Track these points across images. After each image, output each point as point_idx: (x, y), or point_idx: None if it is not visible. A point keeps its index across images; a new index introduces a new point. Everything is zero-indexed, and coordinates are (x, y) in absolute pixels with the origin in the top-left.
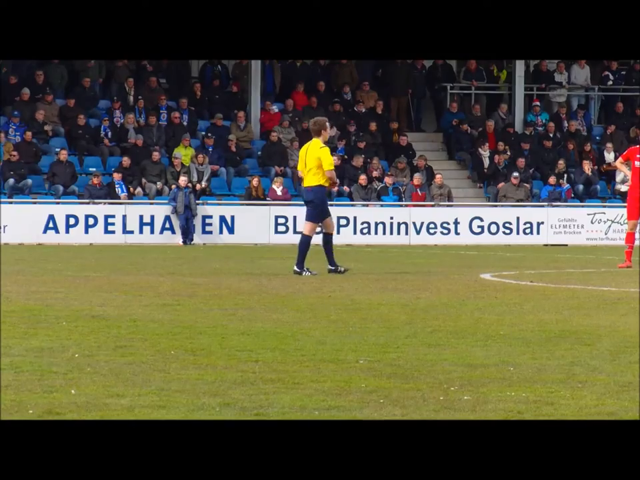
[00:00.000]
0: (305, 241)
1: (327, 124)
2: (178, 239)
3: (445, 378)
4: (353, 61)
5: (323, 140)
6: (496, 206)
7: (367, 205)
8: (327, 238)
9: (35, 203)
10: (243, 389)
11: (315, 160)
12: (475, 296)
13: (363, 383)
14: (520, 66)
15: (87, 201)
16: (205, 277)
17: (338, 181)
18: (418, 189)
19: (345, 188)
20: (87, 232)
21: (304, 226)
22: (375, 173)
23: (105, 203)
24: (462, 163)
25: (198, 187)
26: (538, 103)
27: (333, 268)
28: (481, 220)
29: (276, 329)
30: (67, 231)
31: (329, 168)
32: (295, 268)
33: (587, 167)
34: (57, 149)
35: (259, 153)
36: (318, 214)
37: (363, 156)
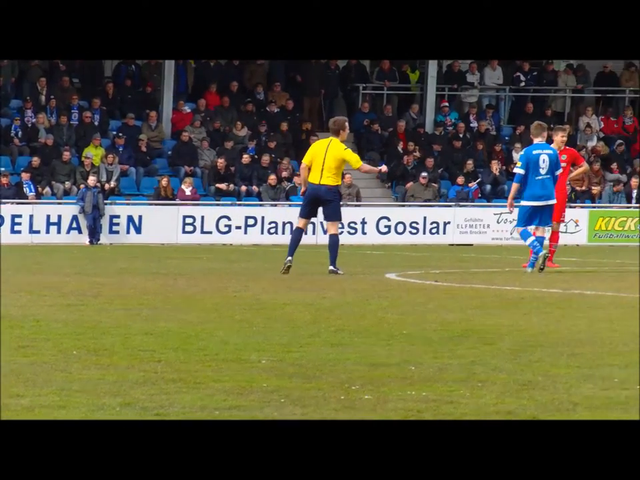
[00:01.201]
0: (336, 240)
1: (347, 124)
2: (85, 238)
3: (347, 377)
4: (266, 61)
5: (342, 140)
6: (403, 206)
7: (276, 205)
8: (336, 239)
9: None
10: (144, 389)
11: (337, 161)
12: (379, 295)
13: (264, 383)
14: (432, 66)
15: None
16: (110, 277)
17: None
18: None
19: (254, 188)
20: None
21: (329, 226)
22: (284, 173)
23: (12, 203)
24: (372, 163)
25: (107, 186)
26: (446, 104)
27: (334, 269)
28: (388, 220)
29: (180, 329)
30: None
31: (360, 164)
32: (332, 267)
33: (495, 166)
34: None
35: (169, 152)
36: (339, 212)
37: (272, 155)
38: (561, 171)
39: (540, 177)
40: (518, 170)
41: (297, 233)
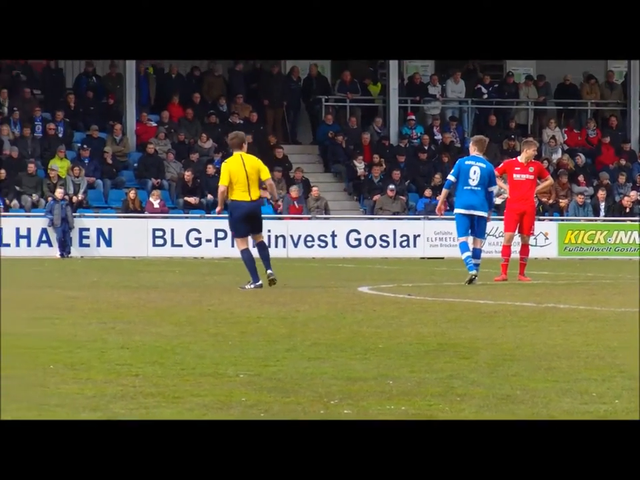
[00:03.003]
0: (265, 244)
1: (245, 137)
2: (55, 251)
3: (325, 391)
4: (225, 73)
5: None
6: (372, 219)
7: None
8: (264, 245)
9: None
10: (123, 403)
11: (257, 172)
12: (353, 309)
13: (243, 397)
14: (394, 79)
15: None
16: (83, 290)
17: None
18: (295, 202)
19: None
20: None
21: (259, 236)
22: None
23: None
24: (338, 176)
25: (75, 199)
26: (413, 117)
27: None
28: (358, 233)
29: (155, 343)
30: None
31: (269, 175)
32: (270, 271)
33: None
34: None
35: (135, 165)
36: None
37: None
38: (496, 187)
39: (468, 187)
40: (449, 177)
41: (248, 254)
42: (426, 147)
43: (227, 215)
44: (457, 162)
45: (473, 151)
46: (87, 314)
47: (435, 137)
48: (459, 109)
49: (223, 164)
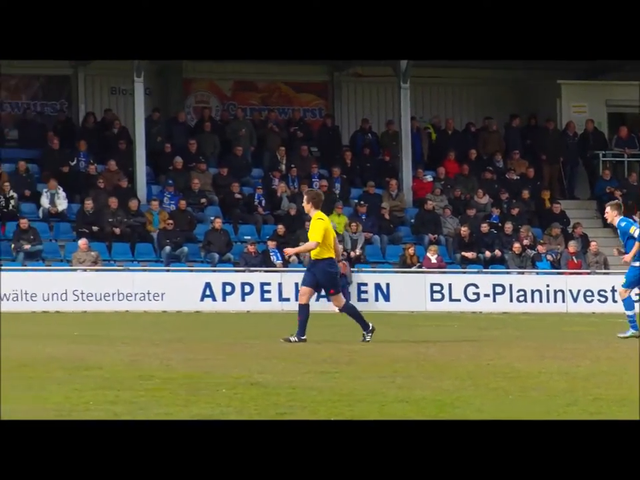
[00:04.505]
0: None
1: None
2: (333, 306)
3: None
4: (501, 129)
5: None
6: None
7: (523, 273)
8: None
9: (191, 270)
10: None
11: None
12: (635, 365)
13: None
14: None
15: (243, 268)
16: (362, 345)
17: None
18: (573, 257)
19: (497, 252)
20: (243, 299)
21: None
22: (525, 241)
23: (260, 271)
24: (617, 232)
25: (352, 254)
26: None
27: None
28: None
29: (436, 397)
30: (224, 299)
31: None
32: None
33: None
34: (212, 217)
35: (412, 220)
36: None
37: (514, 223)
38: None
39: None
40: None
41: (353, 308)
42: None
43: (328, 271)
44: None
45: None
46: (366, 368)
47: None
48: None
49: (320, 220)
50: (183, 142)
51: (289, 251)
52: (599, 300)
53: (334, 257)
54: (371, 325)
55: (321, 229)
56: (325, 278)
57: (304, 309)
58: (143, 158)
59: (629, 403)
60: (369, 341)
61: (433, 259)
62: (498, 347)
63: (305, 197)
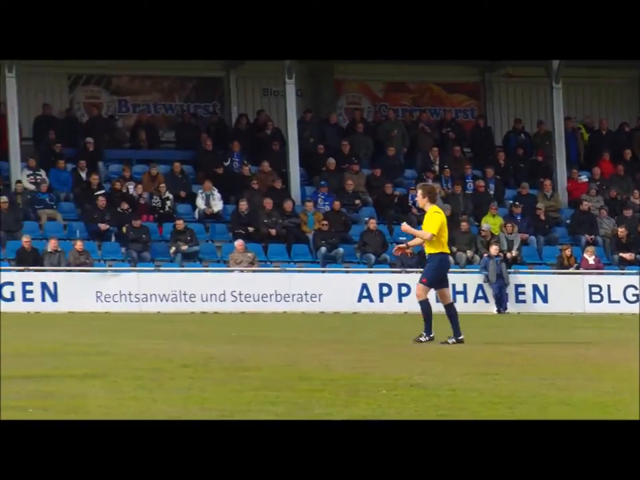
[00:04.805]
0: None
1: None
2: (492, 307)
3: None
4: None
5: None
6: None
7: None
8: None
9: (348, 271)
10: None
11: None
12: None
13: None
14: None
15: (400, 269)
16: (521, 346)
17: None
18: None
19: None
20: (400, 300)
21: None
22: None
23: (416, 272)
24: None
25: (509, 255)
26: None
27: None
28: None
29: (597, 399)
30: (381, 300)
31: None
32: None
33: None
34: (366, 218)
35: (568, 221)
36: None
37: None
38: None
39: None
40: None
41: (429, 305)
42: None
43: (439, 266)
44: None
45: None
46: (526, 369)
47: None
48: None
49: (437, 214)
50: (335, 143)
51: (405, 226)
52: None
53: (447, 252)
54: (433, 333)
55: (438, 222)
56: (431, 271)
57: (423, 305)
58: (296, 159)
59: None
60: (422, 341)
61: (591, 260)
62: None
63: (420, 191)
